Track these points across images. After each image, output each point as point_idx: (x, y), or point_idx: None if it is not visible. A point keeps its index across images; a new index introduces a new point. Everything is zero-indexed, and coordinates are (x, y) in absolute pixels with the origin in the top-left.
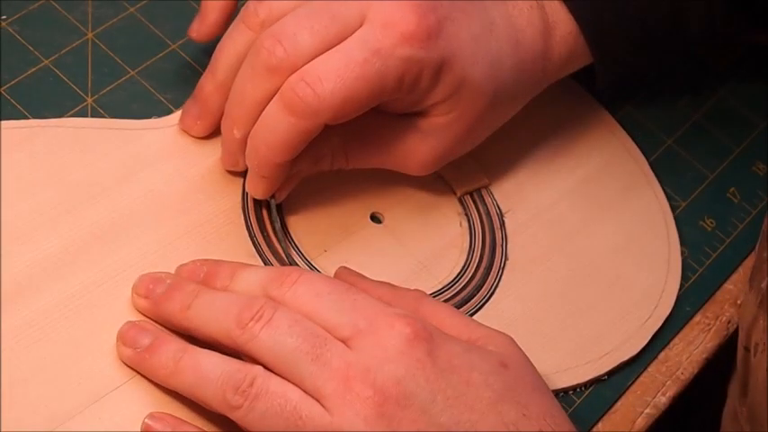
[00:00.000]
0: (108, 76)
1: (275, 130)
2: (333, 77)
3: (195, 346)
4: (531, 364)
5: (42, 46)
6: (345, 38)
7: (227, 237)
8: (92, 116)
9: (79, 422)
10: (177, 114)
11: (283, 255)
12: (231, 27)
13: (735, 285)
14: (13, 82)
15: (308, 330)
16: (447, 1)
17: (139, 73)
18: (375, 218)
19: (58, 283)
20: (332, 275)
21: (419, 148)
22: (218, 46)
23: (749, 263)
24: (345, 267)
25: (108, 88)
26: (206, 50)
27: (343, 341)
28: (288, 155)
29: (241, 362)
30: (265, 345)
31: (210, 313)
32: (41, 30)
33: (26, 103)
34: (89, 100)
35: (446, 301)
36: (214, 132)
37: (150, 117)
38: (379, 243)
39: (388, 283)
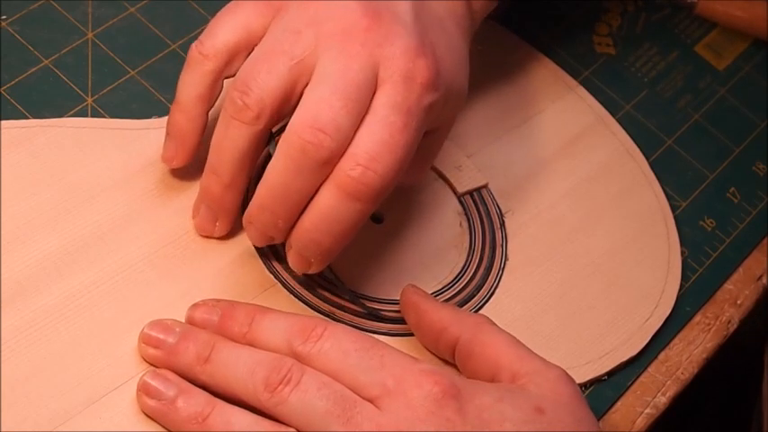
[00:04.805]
0: (108, 76)
1: (341, 220)
2: (385, 152)
3: (221, 401)
4: (577, 402)
5: (42, 46)
6: (370, 100)
7: (228, 236)
8: (92, 116)
9: (79, 422)
10: None
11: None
12: (222, 125)
13: (735, 285)
14: (13, 82)
15: (337, 393)
16: (420, 22)
17: (139, 73)
18: (375, 218)
19: (57, 283)
20: (331, 273)
21: (421, 164)
22: (214, 146)
23: (749, 263)
24: (412, 285)
25: (108, 88)
26: None
27: (371, 400)
28: (352, 237)
29: (271, 422)
30: (295, 409)
31: (235, 372)
32: (41, 30)
33: (26, 103)
34: (89, 100)
35: (446, 301)
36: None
37: (150, 117)
38: (379, 243)
39: (451, 306)
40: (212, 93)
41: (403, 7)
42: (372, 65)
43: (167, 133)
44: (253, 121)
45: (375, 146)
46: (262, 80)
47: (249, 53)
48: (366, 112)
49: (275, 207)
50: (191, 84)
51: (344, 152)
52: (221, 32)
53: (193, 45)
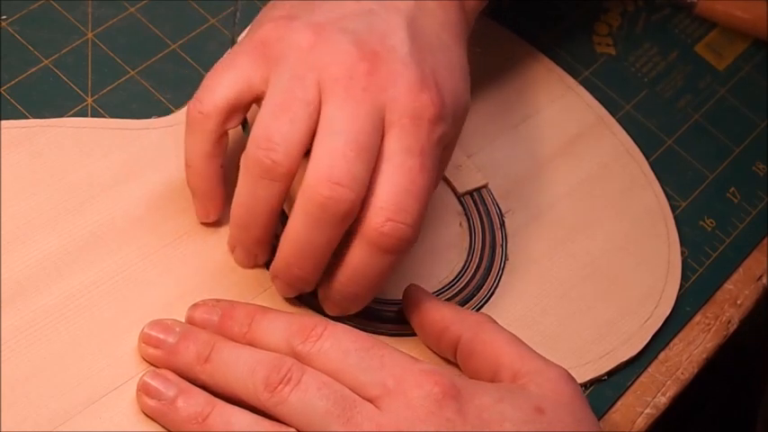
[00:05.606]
0: (108, 76)
1: (377, 272)
2: (411, 200)
3: (221, 401)
4: (578, 402)
5: (42, 46)
6: (380, 144)
7: (228, 236)
8: (92, 116)
9: (79, 422)
10: (177, 114)
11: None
12: (247, 185)
13: (735, 285)
14: (13, 82)
15: (337, 393)
16: (417, 48)
17: (139, 73)
18: None
19: (58, 283)
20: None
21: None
22: (242, 207)
23: (749, 263)
24: (415, 285)
25: (108, 88)
26: (206, 50)
27: (371, 400)
28: (388, 280)
29: (271, 422)
30: (295, 409)
31: (234, 372)
32: (41, 30)
33: (26, 103)
34: (89, 100)
35: (446, 301)
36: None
37: (150, 117)
38: None
39: (453, 305)
40: (219, 149)
41: (398, 38)
42: (378, 108)
43: (192, 193)
44: (283, 177)
45: (399, 196)
46: (286, 131)
47: (249, 107)
48: (379, 157)
49: (301, 263)
50: (196, 144)
51: (365, 201)
52: (220, 88)
53: (191, 104)
